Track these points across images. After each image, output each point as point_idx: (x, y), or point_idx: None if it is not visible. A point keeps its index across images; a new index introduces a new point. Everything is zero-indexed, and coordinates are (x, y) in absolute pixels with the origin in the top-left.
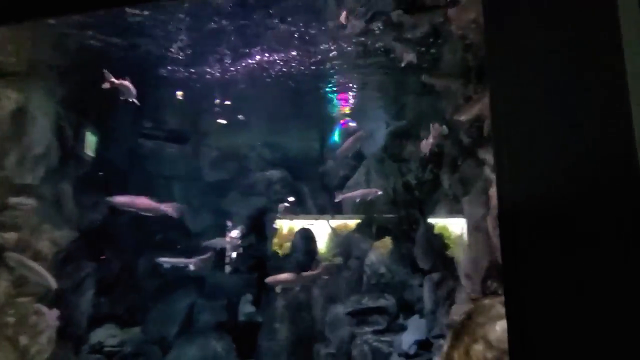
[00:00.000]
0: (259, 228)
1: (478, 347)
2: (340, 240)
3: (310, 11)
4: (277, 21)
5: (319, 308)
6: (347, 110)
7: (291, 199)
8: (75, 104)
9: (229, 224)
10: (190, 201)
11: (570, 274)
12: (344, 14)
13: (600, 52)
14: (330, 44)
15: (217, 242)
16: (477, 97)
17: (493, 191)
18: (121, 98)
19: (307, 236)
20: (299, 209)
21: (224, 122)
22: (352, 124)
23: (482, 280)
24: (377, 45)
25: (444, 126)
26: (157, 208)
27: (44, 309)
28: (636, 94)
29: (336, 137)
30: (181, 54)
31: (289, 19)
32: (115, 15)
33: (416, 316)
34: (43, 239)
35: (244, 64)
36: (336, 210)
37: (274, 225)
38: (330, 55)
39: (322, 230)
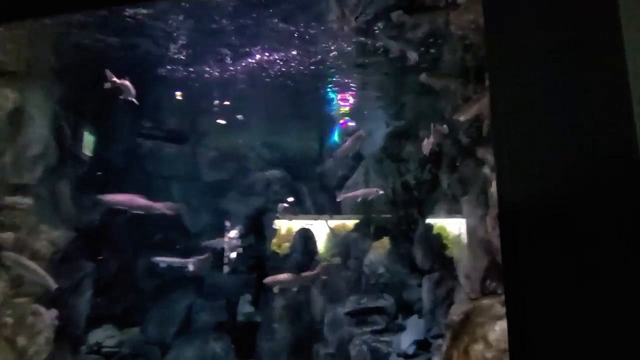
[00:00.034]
0: (258, 228)
1: (477, 347)
2: (339, 240)
3: (310, 11)
4: (276, 21)
5: (318, 308)
6: (346, 110)
7: (290, 199)
8: (74, 104)
9: (228, 224)
10: (189, 201)
11: (570, 273)
12: (343, 11)
13: (600, 52)
14: (330, 43)
15: (217, 242)
16: (476, 97)
17: (492, 191)
18: (121, 98)
19: (306, 236)
20: (298, 209)
21: (223, 122)
22: (352, 124)
23: (481, 280)
24: (377, 45)
25: (445, 125)
26: (149, 206)
27: (42, 309)
28: (637, 94)
29: (336, 137)
30: (181, 53)
31: (289, 19)
32: (114, 14)
33: (415, 316)
34: (41, 239)
35: (243, 64)
36: (335, 210)
37: (273, 226)
38: (330, 55)
39: (321, 230)
